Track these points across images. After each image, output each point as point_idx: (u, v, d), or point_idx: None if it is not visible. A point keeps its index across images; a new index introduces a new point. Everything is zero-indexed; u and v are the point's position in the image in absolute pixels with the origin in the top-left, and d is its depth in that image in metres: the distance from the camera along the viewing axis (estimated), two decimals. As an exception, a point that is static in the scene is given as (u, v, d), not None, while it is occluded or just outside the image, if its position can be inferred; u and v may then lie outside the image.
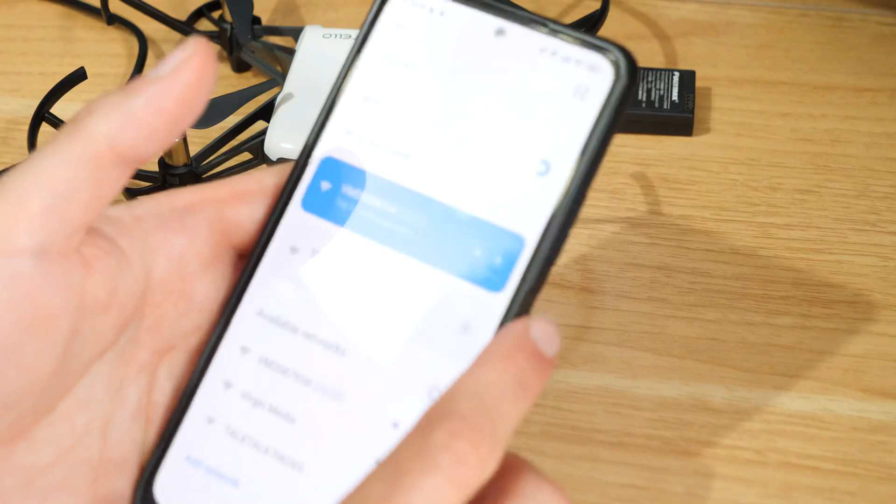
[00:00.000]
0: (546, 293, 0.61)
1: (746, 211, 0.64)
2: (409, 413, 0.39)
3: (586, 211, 0.64)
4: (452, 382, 0.38)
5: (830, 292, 0.61)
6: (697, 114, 0.68)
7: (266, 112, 0.64)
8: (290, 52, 0.67)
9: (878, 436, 0.56)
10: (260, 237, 0.41)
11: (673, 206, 0.64)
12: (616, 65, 0.39)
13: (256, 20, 0.70)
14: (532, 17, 0.41)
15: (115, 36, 0.73)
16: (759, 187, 0.65)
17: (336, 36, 0.67)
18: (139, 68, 0.70)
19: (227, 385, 0.41)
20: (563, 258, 0.62)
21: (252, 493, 0.39)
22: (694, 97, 0.68)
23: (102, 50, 0.69)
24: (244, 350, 0.41)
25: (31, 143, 0.65)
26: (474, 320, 0.39)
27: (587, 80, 0.40)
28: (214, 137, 0.64)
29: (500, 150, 0.40)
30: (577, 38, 0.40)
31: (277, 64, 0.69)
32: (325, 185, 0.41)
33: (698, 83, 0.70)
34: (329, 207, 0.41)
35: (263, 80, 0.69)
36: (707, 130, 0.68)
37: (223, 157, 0.63)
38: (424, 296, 0.40)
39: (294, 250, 0.41)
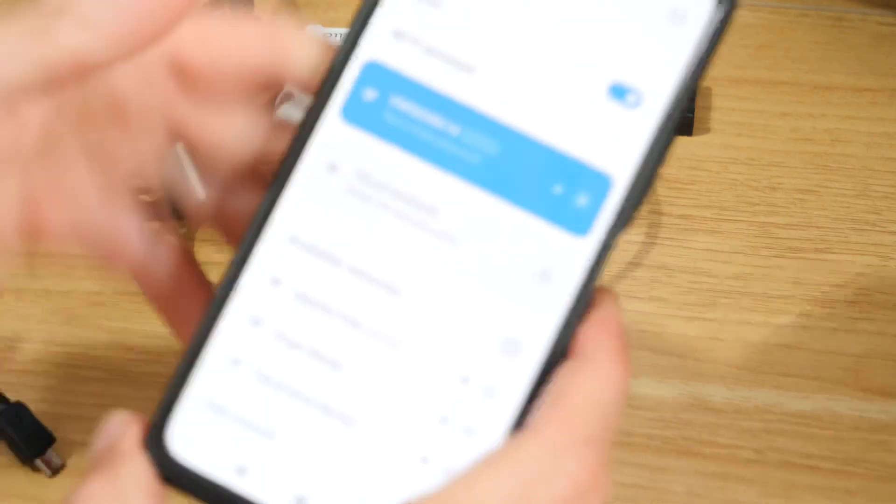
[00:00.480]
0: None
1: (746, 211, 0.64)
2: (481, 368, 0.34)
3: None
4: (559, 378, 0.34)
5: (830, 292, 0.61)
6: (697, 114, 0.68)
7: None
8: None
9: (878, 435, 0.55)
10: (289, 149, 0.36)
11: (673, 205, 0.64)
12: None
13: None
14: None
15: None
16: (759, 187, 0.65)
17: (337, 36, 0.67)
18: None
19: (256, 322, 0.35)
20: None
21: (293, 447, 0.35)
22: (694, 97, 0.68)
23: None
24: (275, 282, 0.35)
25: None
26: (554, 266, 0.35)
27: (685, 5, 0.35)
28: None
29: (584, 74, 0.35)
30: None
31: None
32: (370, 94, 0.35)
33: (698, 83, 0.70)
34: (375, 120, 0.35)
35: None
36: (707, 130, 0.68)
37: None
38: (495, 233, 0.35)
39: (333, 168, 0.35)
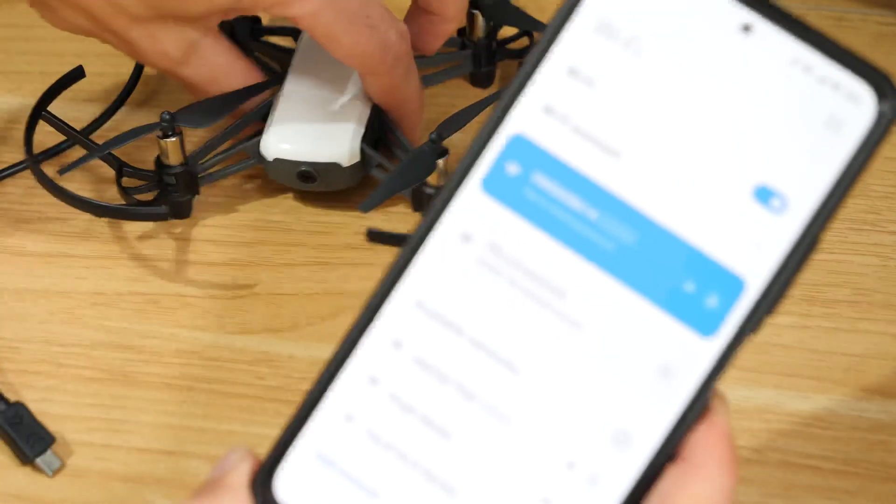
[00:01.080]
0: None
1: (746, 211, 0.64)
2: (588, 455, 0.34)
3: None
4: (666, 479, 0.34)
5: (830, 292, 0.61)
6: (697, 114, 0.68)
7: (263, 112, 0.64)
8: (289, 52, 0.67)
9: (878, 435, 0.55)
10: (427, 215, 0.36)
11: (673, 205, 0.64)
12: (882, 97, 0.34)
13: (256, 19, 0.70)
14: (789, 17, 0.35)
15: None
16: (760, 187, 0.65)
17: None
18: (139, 67, 0.70)
19: (373, 381, 0.35)
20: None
21: None
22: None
23: (102, 49, 0.69)
24: (397, 345, 0.35)
25: (28, 143, 0.64)
26: (676, 364, 0.34)
27: (844, 110, 0.34)
28: (211, 137, 0.64)
29: (731, 172, 0.34)
30: (839, 55, 0.34)
31: (277, 64, 0.68)
32: (513, 169, 0.35)
33: (698, 83, 0.70)
34: (515, 195, 0.35)
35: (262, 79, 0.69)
36: (707, 130, 0.68)
37: (220, 156, 0.63)
38: (620, 323, 0.34)
39: (467, 238, 0.35)
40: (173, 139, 0.61)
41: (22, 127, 0.68)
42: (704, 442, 0.35)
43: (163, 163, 0.62)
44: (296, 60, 0.65)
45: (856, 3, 0.75)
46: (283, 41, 0.71)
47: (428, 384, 0.35)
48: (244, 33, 0.69)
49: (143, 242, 0.63)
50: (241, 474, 0.36)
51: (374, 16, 0.59)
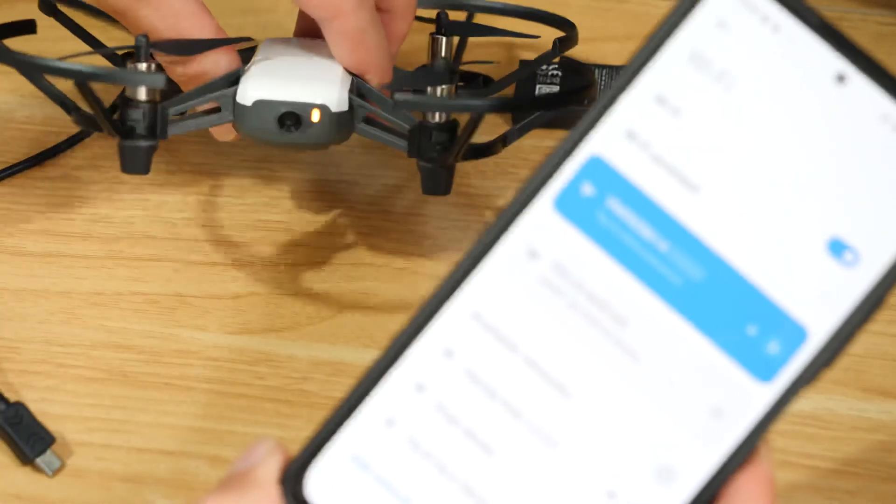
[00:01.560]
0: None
1: (746, 211, 0.64)
2: (630, 486, 0.34)
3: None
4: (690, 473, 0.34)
5: (830, 292, 0.61)
6: (697, 114, 0.68)
7: (235, 77, 0.57)
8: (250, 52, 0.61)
9: (878, 435, 0.55)
10: (493, 225, 0.35)
11: (673, 205, 0.64)
12: None
13: None
14: (885, 72, 0.34)
15: (116, 35, 0.73)
16: (760, 187, 0.65)
17: None
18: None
19: (420, 388, 0.35)
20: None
21: None
22: None
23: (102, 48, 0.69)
24: (448, 354, 0.35)
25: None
26: (729, 406, 0.34)
27: None
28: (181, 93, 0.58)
29: (806, 220, 0.34)
30: None
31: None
32: (588, 190, 0.35)
33: (698, 83, 0.69)
34: (586, 217, 0.35)
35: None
36: (707, 130, 0.68)
37: (191, 97, 0.57)
38: (677, 358, 0.34)
39: (534, 255, 0.35)
40: (145, 66, 0.55)
41: (21, 127, 0.68)
42: (746, 488, 0.34)
43: (128, 98, 0.55)
44: (263, 46, 0.60)
45: (856, 3, 0.74)
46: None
47: (476, 397, 0.35)
48: None
49: (144, 242, 0.63)
50: (270, 470, 0.35)
51: None
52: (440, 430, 0.35)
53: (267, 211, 0.64)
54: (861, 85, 0.34)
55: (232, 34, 0.59)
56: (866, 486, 0.54)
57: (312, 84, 0.56)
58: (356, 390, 0.35)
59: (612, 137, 0.35)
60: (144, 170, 0.56)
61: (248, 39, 0.61)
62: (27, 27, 0.62)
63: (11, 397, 0.57)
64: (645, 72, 0.35)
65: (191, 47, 0.58)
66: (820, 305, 0.34)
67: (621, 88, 0.35)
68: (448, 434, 0.35)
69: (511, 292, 0.35)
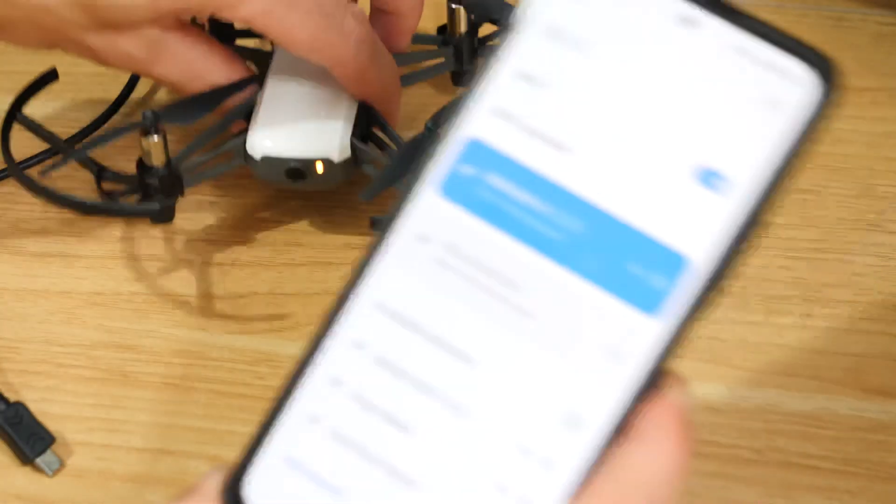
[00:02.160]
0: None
1: (746, 211, 0.64)
2: (542, 439, 0.35)
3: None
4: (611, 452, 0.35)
5: (830, 292, 0.61)
6: (697, 114, 0.68)
7: (247, 110, 0.61)
8: (267, 55, 0.65)
9: (878, 435, 0.56)
10: (388, 219, 0.37)
11: (673, 205, 0.64)
12: (819, 76, 0.35)
13: (231, 23, 0.69)
14: (727, 7, 0.36)
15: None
16: (760, 187, 0.65)
17: None
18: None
19: (336, 382, 0.37)
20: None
21: None
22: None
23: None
24: (358, 345, 0.37)
25: (5, 147, 0.63)
26: (624, 346, 0.35)
27: (782, 88, 0.35)
28: (194, 137, 0.62)
29: (672, 157, 0.36)
30: (778, 40, 0.35)
31: (254, 66, 0.67)
32: (468, 171, 0.37)
33: (698, 83, 0.70)
34: (471, 196, 0.37)
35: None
36: (707, 130, 0.68)
37: (204, 157, 0.61)
38: (570, 311, 0.36)
39: (425, 239, 0.37)
40: (156, 138, 0.59)
41: (22, 126, 0.68)
42: (651, 417, 0.35)
43: (145, 164, 0.60)
44: (276, 59, 0.63)
45: (856, 3, 0.75)
46: (261, 44, 0.70)
47: (388, 382, 0.36)
48: (217, 37, 0.67)
49: (143, 243, 0.63)
50: (213, 482, 0.37)
51: (326, 4, 0.57)
52: (360, 419, 0.36)
53: (267, 211, 0.64)
54: (708, 23, 0.36)
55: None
56: (866, 486, 0.54)
57: (316, 136, 0.60)
58: (281, 394, 0.37)
59: (485, 119, 0.37)
60: (170, 220, 0.61)
61: (256, 78, 0.62)
62: (51, 77, 0.65)
63: (11, 397, 0.57)
64: (508, 53, 0.37)
65: (199, 108, 0.60)
66: (697, 233, 0.35)
67: (489, 72, 0.37)
68: (367, 421, 0.36)
69: (409, 278, 0.37)
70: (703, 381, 0.57)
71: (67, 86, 0.70)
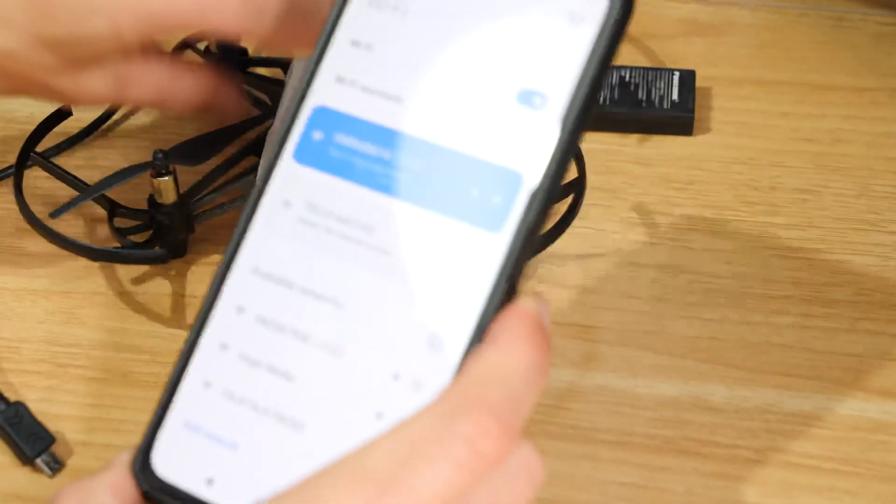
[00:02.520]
0: (547, 293, 0.61)
1: (746, 211, 0.64)
2: (410, 363, 0.38)
3: (586, 210, 0.64)
4: (466, 348, 0.37)
5: (830, 292, 0.61)
6: (697, 114, 0.68)
7: (257, 147, 0.62)
8: (279, 84, 0.66)
9: (879, 435, 0.56)
10: (252, 192, 0.41)
11: (673, 205, 0.64)
12: None
13: (244, 51, 0.69)
14: None
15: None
16: (760, 187, 0.65)
17: None
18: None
19: (224, 347, 0.40)
20: (563, 257, 0.62)
21: (251, 455, 0.39)
22: (694, 97, 0.68)
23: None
24: (240, 310, 0.40)
25: (18, 184, 0.63)
26: (474, 263, 0.38)
27: (582, 6, 0.39)
28: (205, 174, 0.62)
29: (492, 86, 0.39)
30: None
31: (266, 96, 0.68)
32: (318, 135, 0.41)
33: (698, 83, 0.70)
34: (322, 157, 0.40)
35: (253, 113, 0.68)
36: (707, 130, 0.68)
37: (214, 193, 0.62)
38: (423, 241, 0.39)
39: (287, 204, 0.40)
40: (167, 178, 0.60)
41: (21, 127, 0.68)
42: (502, 322, 0.38)
43: (156, 202, 0.61)
44: (287, 92, 0.63)
45: (856, 3, 0.75)
46: (272, 73, 0.70)
47: (269, 338, 0.39)
48: (232, 65, 0.68)
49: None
50: (123, 456, 0.39)
51: None
52: (248, 376, 0.39)
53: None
54: None
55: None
56: (866, 486, 0.54)
57: None
58: (175, 366, 0.40)
59: (326, 86, 0.41)
60: (182, 255, 0.62)
61: (266, 113, 0.62)
62: (64, 114, 0.65)
63: (11, 397, 0.57)
64: (338, 26, 0.41)
65: (207, 149, 0.61)
66: (526, 150, 0.39)
67: (324, 45, 0.41)
68: (254, 377, 0.39)
69: (277, 240, 0.40)
70: (703, 381, 0.57)
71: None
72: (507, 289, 0.38)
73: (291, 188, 0.40)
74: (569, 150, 0.39)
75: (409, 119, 0.40)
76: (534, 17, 0.39)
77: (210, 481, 0.39)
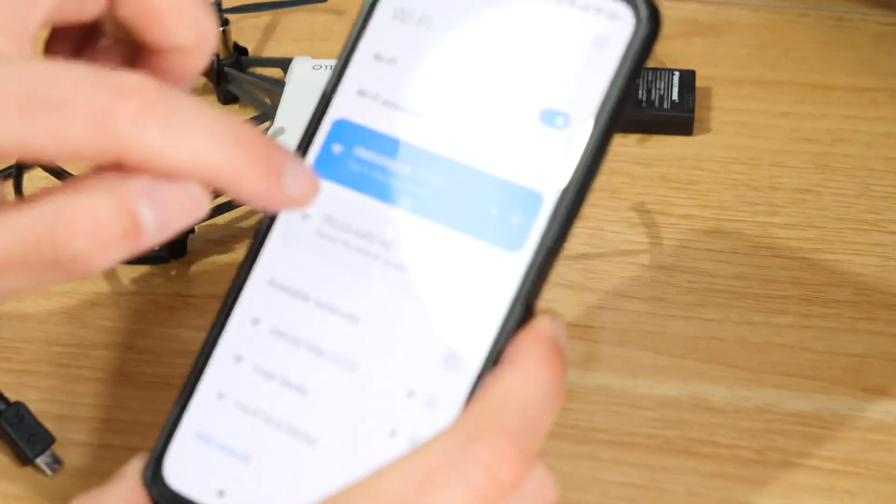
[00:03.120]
0: (546, 292, 0.61)
1: (746, 211, 0.64)
2: (425, 381, 0.38)
3: (586, 210, 0.63)
4: (484, 378, 0.37)
5: (830, 292, 0.61)
6: (697, 114, 0.68)
7: None
8: (279, 84, 0.66)
9: (879, 435, 0.55)
10: None
11: (673, 205, 0.64)
12: (637, 12, 0.38)
13: (243, 51, 0.69)
14: None
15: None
16: (760, 187, 0.65)
17: (325, 67, 0.65)
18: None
19: (238, 359, 0.40)
20: (563, 257, 0.62)
21: (263, 469, 0.38)
22: (694, 97, 0.68)
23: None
24: (255, 322, 0.40)
25: (17, 184, 0.63)
26: (492, 282, 0.38)
27: (607, 28, 0.38)
28: None
29: (516, 104, 0.39)
30: None
31: (266, 96, 0.67)
32: (338, 149, 0.40)
33: (698, 83, 0.70)
34: (341, 171, 0.40)
35: (252, 113, 0.68)
36: (707, 130, 0.68)
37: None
38: (441, 259, 0.39)
39: (305, 216, 0.40)
40: None
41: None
42: (519, 344, 0.37)
43: None
44: (286, 92, 0.64)
45: (856, 3, 0.75)
46: (271, 72, 0.70)
47: (284, 351, 0.39)
48: (234, 67, 0.68)
49: (143, 242, 0.63)
50: (133, 467, 0.39)
51: None
52: (261, 389, 0.39)
53: (267, 211, 0.64)
54: None
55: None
56: (866, 486, 0.54)
57: None
58: (189, 377, 0.40)
59: (347, 100, 0.41)
60: (181, 256, 0.62)
61: (265, 114, 0.62)
62: None
63: (12, 397, 0.57)
64: (361, 39, 0.41)
65: None
66: (547, 170, 0.38)
67: (346, 58, 0.41)
68: (268, 390, 0.39)
69: (295, 253, 0.40)
70: (703, 381, 0.57)
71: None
72: (524, 309, 0.38)
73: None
74: (591, 172, 0.38)
75: (430, 135, 0.40)
76: (559, 37, 0.39)
77: (221, 493, 0.38)
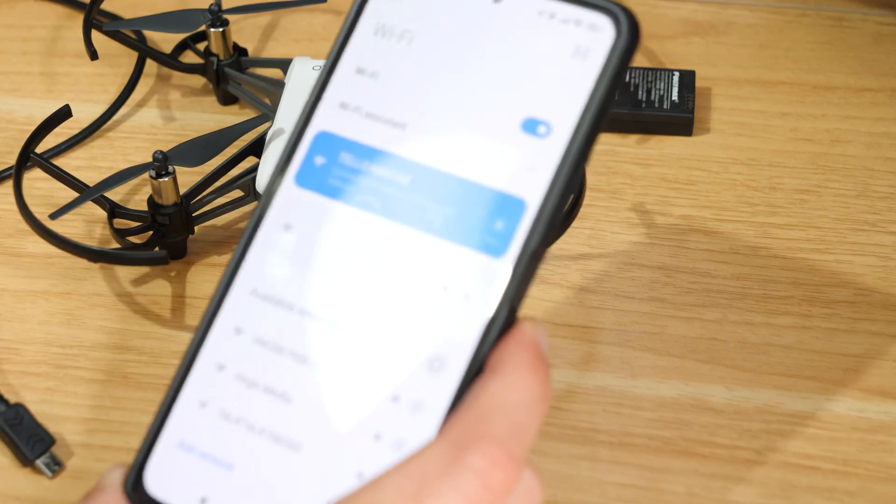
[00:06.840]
0: (546, 293, 0.61)
1: (746, 211, 0.64)
2: (410, 385, 0.38)
3: (586, 210, 0.64)
4: (474, 389, 0.37)
5: (830, 292, 0.61)
6: (697, 114, 0.68)
7: (257, 147, 0.62)
8: (278, 84, 0.66)
9: (878, 436, 0.56)
10: (252, 216, 0.41)
11: (673, 206, 0.64)
12: (617, 23, 0.39)
13: (243, 52, 0.69)
14: None
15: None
16: (759, 187, 0.65)
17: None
18: (138, 70, 0.70)
19: (221, 367, 0.40)
20: (563, 257, 0.62)
21: (247, 477, 0.38)
22: (694, 97, 0.68)
23: (103, 50, 0.69)
24: (238, 331, 0.40)
25: (17, 185, 0.63)
26: (476, 287, 0.39)
27: (587, 39, 0.39)
28: (204, 175, 0.62)
29: (498, 114, 0.40)
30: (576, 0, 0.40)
31: (266, 96, 0.67)
32: (320, 160, 0.41)
33: (698, 83, 0.70)
34: (323, 182, 0.41)
35: (252, 114, 0.68)
36: (707, 130, 0.68)
37: (213, 194, 0.62)
38: (424, 265, 0.39)
39: (288, 227, 0.40)
40: (166, 179, 0.60)
41: (21, 128, 0.68)
42: (505, 350, 0.38)
43: (156, 203, 0.61)
44: (286, 93, 0.64)
45: (856, 3, 0.75)
46: (271, 73, 0.70)
47: (267, 359, 0.39)
48: (234, 67, 0.68)
49: (143, 243, 0.63)
50: (114, 476, 0.39)
51: None
52: (244, 397, 0.39)
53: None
54: None
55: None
56: (866, 486, 0.54)
57: None
58: (171, 385, 0.40)
59: (329, 112, 0.41)
60: (181, 257, 0.62)
61: (265, 115, 0.62)
62: (64, 114, 0.64)
63: (12, 398, 0.57)
64: (344, 54, 0.41)
65: (208, 150, 0.61)
66: (530, 177, 0.39)
67: (328, 72, 0.41)
68: (251, 398, 0.39)
69: (276, 262, 0.40)
70: (703, 381, 0.57)
71: (68, 86, 0.71)
72: (508, 313, 0.38)
73: (292, 212, 0.40)
74: (573, 179, 0.39)
75: (412, 145, 0.40)
76: (540, 48, 0.40)
77: (203, 501, 0.38)
